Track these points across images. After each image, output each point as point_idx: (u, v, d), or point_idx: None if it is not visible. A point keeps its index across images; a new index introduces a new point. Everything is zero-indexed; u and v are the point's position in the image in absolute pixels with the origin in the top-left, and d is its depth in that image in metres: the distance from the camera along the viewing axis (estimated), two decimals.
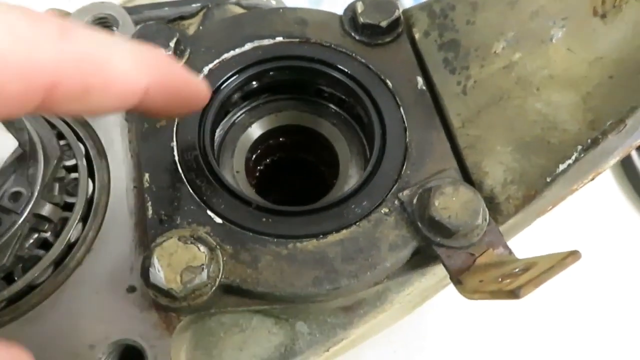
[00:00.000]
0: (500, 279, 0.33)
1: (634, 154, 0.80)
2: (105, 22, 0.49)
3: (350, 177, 0.45)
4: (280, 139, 0.50)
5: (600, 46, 0.36)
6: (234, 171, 0.45)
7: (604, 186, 0.81)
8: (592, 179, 0.43)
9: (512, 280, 0.31)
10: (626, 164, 0.80)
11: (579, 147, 0.36)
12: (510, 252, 0.37)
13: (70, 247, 0.38)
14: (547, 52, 0.38)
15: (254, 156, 0.49)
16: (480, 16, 0.43)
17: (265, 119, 0.48)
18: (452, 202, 0.36)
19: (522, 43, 0.40)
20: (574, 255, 0.30)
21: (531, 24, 0.40)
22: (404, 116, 0.42)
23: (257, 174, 0.51)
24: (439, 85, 0.44)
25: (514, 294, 0.29)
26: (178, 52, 0.43)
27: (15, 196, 0.35)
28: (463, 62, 0.44)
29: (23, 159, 0.36)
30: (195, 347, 0.39)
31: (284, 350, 0.40)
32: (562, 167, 0.36)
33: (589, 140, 0.35)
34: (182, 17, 0.55)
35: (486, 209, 0.37)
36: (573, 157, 0.36)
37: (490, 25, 0.43)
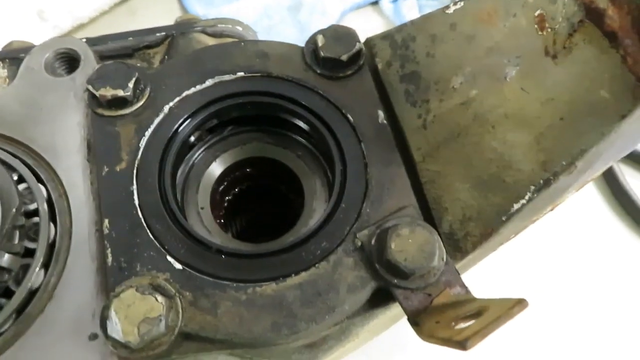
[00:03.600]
0: (453, 323, 0.34)
1: (615, 167, 0.80)
2: (67, 57, 0.49)
3: (315, 210, 0.46)
4: (247, 170, 0.50)
5: (552, 87, 0.36)
6: (198, 207, 0.45)
7: (586, 197, 0.82)
8: (552, 209, 0.44)
9: (463, 328, 0.32)
10: (609, 178, 0.81)
11: (532, 188, 0.36)
12: (467, 292, 0.37)
13: (32, 294, 0.39)
14: (502, 90, 0.39)
15: (220, 188, 0.49)
16: (439, 49, 0.43)
17: (229, 152, 0.48)
18: (409, 244, 0.36)
19: (478, 79, 0.40)
20: (520, 304, 0.31)
21: (487, 60, 0.40)
22: (364, 151, 0.42)
23: (225, 205, 0.51)
24: (401, 117, 0.44)
25: (461, 345, 0.30)
26: (137, 92, 0.43)
27: None
28: (423, 95, 0.44)
29: None
30: None
31: None
32: (516, 206, 0.37)
33: (541, 181, 0.36)
34: (148, 47, 0.55)
35: (443, 250, 0.37)
36: (527, 197, 0.36)
37: (448, 58, 0.43)
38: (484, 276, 0.70)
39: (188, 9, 1.16)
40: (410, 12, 1.14)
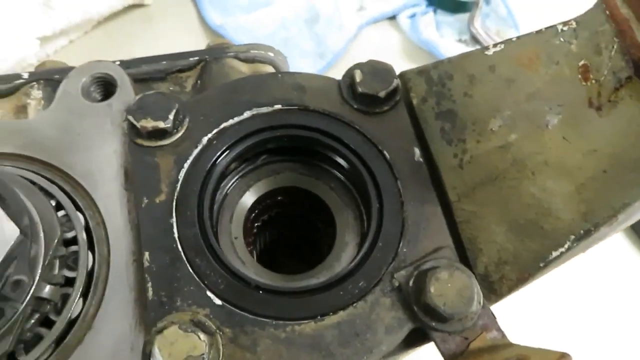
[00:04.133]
0: None
1: None
2: (103, 82, 0.49)
3: (347, 243, 0.46)
4: (278, 198, 0.50)
5: (595, 138, 0.36)
6: (232, 237, 0.46)
7: None
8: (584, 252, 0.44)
9: None
10: None
11: (572, 237, 0.37)
12: (503, 336, 0.38)
13: (71, 324, 0.39)
14: (542, 137, 0.39)
15: (251, 216, 0.49)
16: (477, 89, 0.44)
17: (263, 182, 0.48)
18: (448, 289, 0.37)
19: (518, 124, 0.41)
20: (565, 358, 0.31)
21: (527, 106, 0.40)
22: (400, 189, 0.43)
23: (255, 231, 0.51)
24: (436, 155, 0.45)
25: None
26: (177, 122, 0.43)
27: (17, 284, 0.35)
28: (460, 134, 0.44)
29: (24, 242, 0.36)
30: None
31: None
32: (555, 254, 0.37)
33: (582, 232, 0.36)
34: (181, 70, 0.55)
35: (481, 294, 0.38)
36: (566, 246, 0.37)
37: (487, 100, 0.43)
38: None
39: (205, 18, 1.16)
40: (428, 29, 1.15)
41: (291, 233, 0.56)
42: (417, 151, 0.44)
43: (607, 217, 0.35)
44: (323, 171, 0.49)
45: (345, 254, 0.45)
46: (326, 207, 0.48)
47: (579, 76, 0.38)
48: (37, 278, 0.36)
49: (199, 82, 0.54)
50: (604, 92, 0.36)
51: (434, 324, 0.37)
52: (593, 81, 0.37)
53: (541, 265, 0.38)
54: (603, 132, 0.36)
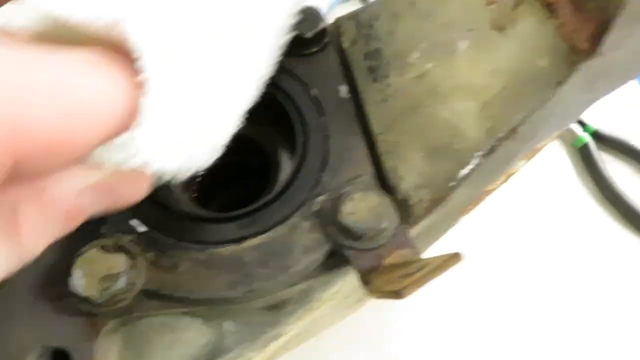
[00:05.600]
0: (399, 280, 0.35)
1: (592, 144, 0.82)
2: None
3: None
4: None
5: (497, 57, 0.38)
6: None
7: (561, 176, 0.83)
8: (506, 180, 0.45)
9: (404, 281, 0.33)
10: (586, 156, 0.82)
11: (478, 154, 0.38)
12: (416, 253, 0.39)
13: None
14: (453, 63, 0.40)
15: None
16: (399, 26, 0.45)
17: None
18: (360, 207, 0.38)
19: (433, 53, 0.42)
20: (454, 257, 0.32)
21: (441, 35, 0.42)
22: (325, 124, 0.44)
23: (195, 187, 0.53)
24: (363, 93, 0.46)
25: (398, 294, 0.32)
26: None
27: None
28: (385, 71, 0.45)
29: None
30: (125, 348, 0.41)
31: (212, 348, 0.42)
32: (463, 172, 0.39)
33: (487, 148, 0.37)
34: None
35: (394, 213, 0.39)
36: (473, 163, 0.38)
37: (408, 35, 0.45)
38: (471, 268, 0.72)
39: None
40: None
41: (227, 176, 0.57)
42: (343, 89, 0.46)
43: (508, 131, 0.36)
44: (254, 113, 0.50)
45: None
46: (260, 149, 0.49)
47: (485, 0, 0.39)
48: None
49: None
50: (505, 12, 0.37)
51: (348, 242, 0.38)
52: (496, 4, 0.38)
53: (452, 184, 0.39)
54: (504, 51, 0.37)
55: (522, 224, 0.79)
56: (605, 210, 0.81)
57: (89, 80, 0.20)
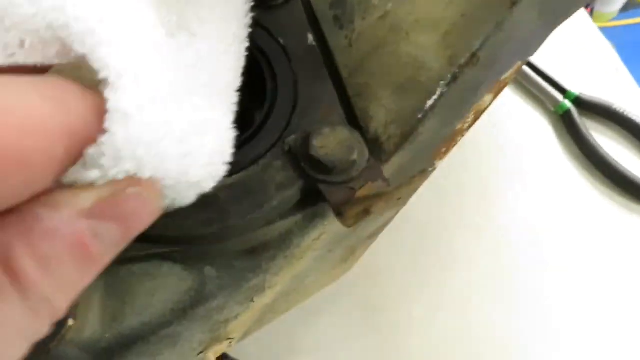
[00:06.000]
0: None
1: (574, 110, 0.84)
2: None
3: None
4: None
5: None
6: None
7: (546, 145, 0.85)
8: (476, 118, 0.46)
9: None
10: (568, 122, 0.84)
11: (442, 83, 0.39)
12: (388, 185, 0.40)
13: None
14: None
15: None
16: None
17: None
18: (330, 141, 0.39)
19: None
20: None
21: None
22: (294, 70, 0.45)
23: None
24: (330, 41, 0.47)
25: (367, 211, 0.32)
26: None
27: None
28: (350, 17, 0.46)
29: None
30: (108, 296, 0.42)
31: (194, 294, 0.43)
32: (429, 102, 0.40)
33: (449, 75, 0.39)
34: None
35: (364, 147, 0.40)
36: (438, 93, 0.39)
37: None
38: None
39: None
40: None
41: None
42: (310, 36, 0.47)
43: (468, 56, 0.37)
44: None
45: None
46: None
47: None
48: None
49: None
50: None
51: (321, 176, 0.39)
52: None
53: (420, 116, 0.40)
54: None
55: (507, 192, 0.80)
56: (591, 175, 0.82)
57: (22, 89, 0.18)
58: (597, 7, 2.64)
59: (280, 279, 0.47)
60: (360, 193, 0.39)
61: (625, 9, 2.83)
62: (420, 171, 0.50)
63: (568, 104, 0.85)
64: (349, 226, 0.37)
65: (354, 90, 0.45)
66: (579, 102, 0.85)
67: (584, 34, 0.98)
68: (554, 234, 0.76)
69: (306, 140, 0.40)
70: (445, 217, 0.77)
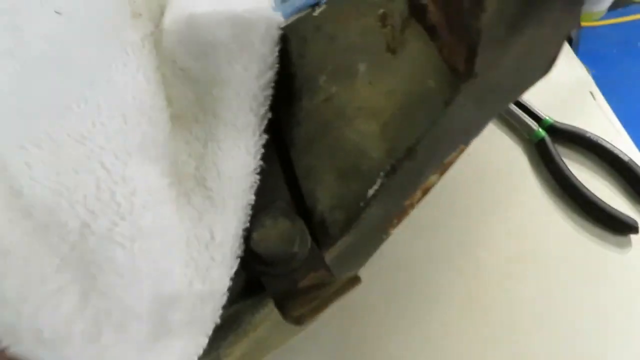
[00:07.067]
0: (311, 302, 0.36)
1: (547, 139, 0.84)
2: None
3: None
4: None
5: (392, 79, 0.39)
6: None
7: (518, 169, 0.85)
8: (424, 194, 0.46)
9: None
10: (543, 151, 0.84)
11: (381, 174, 0.39)
12: (331, 274, 0.40)
13: None
14: (355, 85, 0.41)
15: None
16: (308, 50, 0.46)
17: None
18: (270, 234, 0.39)
19: (337, 76, 0.43)
20: (353, 281, 0.33)
21: (344, 59, 0.43)
22: None
23: None
24: (281, 118, 0.47)
25: (297, 320, 0.32)
26: None
27: None
28: (298, 94, 0.46)
29: None
30: None
31: None
32: (371, 192, 0.40)
33: (388, 167, 0.38)
34: None
35: (307, 236, 0.40)
36: (378, 183, 0.39)
37: (316, 58, 0.46)
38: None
39: None
40: None
41: None
42: None
43: (405, 151, 0.37)
44: None
45: None
46: None
47: (380, 23, 0.40)
48: None
49: None
50: (396, 35, 0.38)
51: (261, 268, 0.39)
52: (389, 26, 0.39)
53: (362, 204, 0.40)
54: (397, 72, 0.38)
55: (481, 221, 0.80)
56: (564, 204, 0.82)
57: None
58: (586, 7, 2.63)
59: (236, 349, 0.47)
60: (303, 284, 0.39)
61: (615, 6, 2.82)
62: (373, 246, 0.50)
63: (542, 132, 0.85)
64: (292, 323, 0.37)
65: (302, 171, 0.45)
66: (553, 129, 0.85)
67: (560, 60, 0.98)
68: (528, 262, 0.76)
69: (247, 232, 0.40)
70: (420, 250, 0.77)
